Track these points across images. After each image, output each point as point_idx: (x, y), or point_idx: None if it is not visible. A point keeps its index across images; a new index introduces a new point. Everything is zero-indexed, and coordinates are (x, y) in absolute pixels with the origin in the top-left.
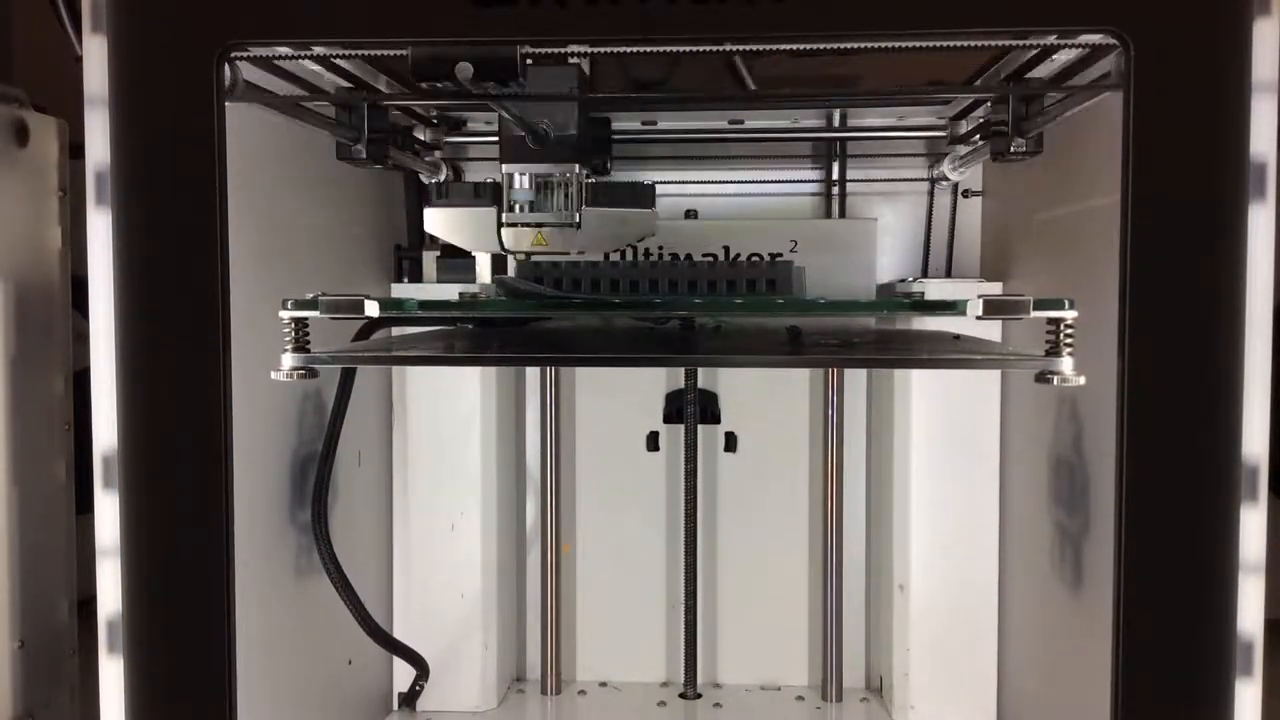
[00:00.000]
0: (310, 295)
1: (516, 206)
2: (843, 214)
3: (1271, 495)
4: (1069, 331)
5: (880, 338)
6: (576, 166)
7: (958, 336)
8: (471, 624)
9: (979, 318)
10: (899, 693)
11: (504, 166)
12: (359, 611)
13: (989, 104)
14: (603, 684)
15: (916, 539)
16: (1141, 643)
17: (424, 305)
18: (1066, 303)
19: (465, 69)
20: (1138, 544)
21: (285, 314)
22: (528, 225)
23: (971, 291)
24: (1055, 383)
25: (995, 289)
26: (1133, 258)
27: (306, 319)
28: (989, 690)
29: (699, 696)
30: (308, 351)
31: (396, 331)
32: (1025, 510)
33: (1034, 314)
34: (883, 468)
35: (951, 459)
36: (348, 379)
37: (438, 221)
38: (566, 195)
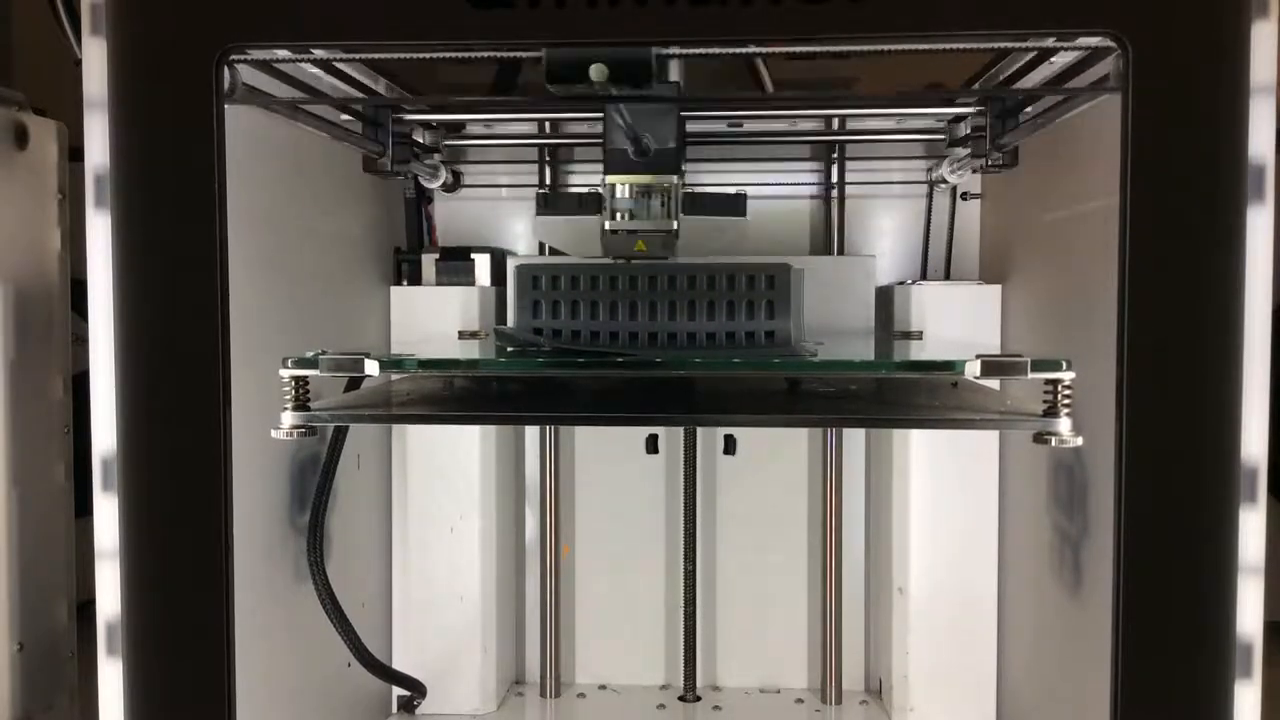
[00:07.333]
0: (311, 354)
1: (618, 215)
2: (841, 215)
3: (1271, 497)
4: (1067, 392)
5: (877, 384)
6: (675, 178)
7: (955, 383)
8: (471, 627)
9: (976, 377)
10: (898, 695)
11: (607, 177)
12: (354, 644)
13: (980, 110)
14: (602, 687)
15: (916, 541)
16: (1141, 645)
17: (424, 364)
18: (1064, 364)
19: (600, 70)
20: (1137, 546)
21: (285, 373)
22: (630, 232)
23: (969, 293)
24: (1053, 444)
25: (993, 291)
26: (1132, 260)
27: (306, 377)
28: (988, 693)
29: (698, 699)
30: (308, 409)
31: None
32: (1024, 512)
33: (1031, 375)
34: (881, 469)
35: (950, 461)
36: (340, 433)
37: (545, 229)
38: (665, 204)
